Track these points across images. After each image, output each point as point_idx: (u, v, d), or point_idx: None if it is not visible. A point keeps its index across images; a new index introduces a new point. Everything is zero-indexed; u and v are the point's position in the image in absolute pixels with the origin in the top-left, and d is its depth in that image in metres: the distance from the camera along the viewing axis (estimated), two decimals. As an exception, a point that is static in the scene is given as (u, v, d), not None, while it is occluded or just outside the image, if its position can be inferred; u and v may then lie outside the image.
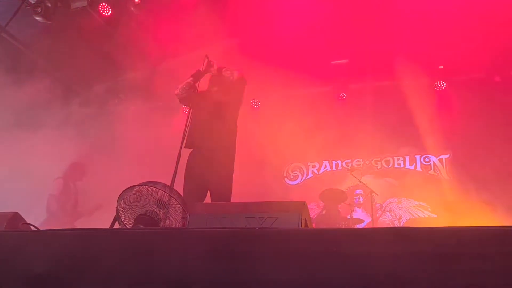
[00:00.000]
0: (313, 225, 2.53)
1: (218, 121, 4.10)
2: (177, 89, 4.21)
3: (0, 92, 5.68)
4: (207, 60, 4.23)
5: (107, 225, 2.68)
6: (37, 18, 5.80)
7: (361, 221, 6.67)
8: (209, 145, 4.04)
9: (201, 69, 4.22)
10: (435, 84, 7.61)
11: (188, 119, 3.79)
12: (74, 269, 1.78)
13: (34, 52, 6.87)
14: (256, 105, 8.46)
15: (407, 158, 7.74)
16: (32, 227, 2.39)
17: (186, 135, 3.72)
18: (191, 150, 4.10)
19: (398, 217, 7.34)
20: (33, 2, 5.86)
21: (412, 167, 7.64)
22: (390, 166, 7.81)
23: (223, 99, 4.19)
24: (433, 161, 7.55)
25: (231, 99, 4.24)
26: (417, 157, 7.66)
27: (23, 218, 2.54)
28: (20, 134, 5.76)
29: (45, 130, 5.91)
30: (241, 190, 4.60)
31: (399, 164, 7.75)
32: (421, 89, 7.50)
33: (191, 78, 4.20)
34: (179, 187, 3.28)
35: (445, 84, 7.57)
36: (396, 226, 7.24)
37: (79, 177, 5.91)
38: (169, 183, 2.92)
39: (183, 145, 3.62)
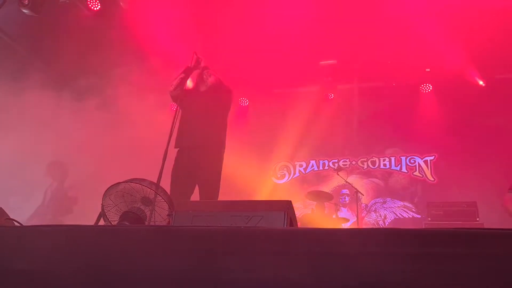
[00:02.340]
0: (298, 224, 2.55)
1: (206, 120, 4.11)
2: (171, 86, 4.19)
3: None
4: (195, 56, 4.23)
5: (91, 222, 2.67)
6: (24, 10, 5.71)
7: (347, 220, 6.73)
8: (197, 144, 4.04)
9: (190, 65, 4.22)
10: (422, 87, 7.71)
11: (175, 118, 3.78)
12: (56, 265, 1.76)
13: (20, 45, 6.76)
14: (244, 104, 8.48)
15: (392, 159, 7.83)
16: (15, 223, 2.37)
17: (174, 134, 3.72)
18: (178, 149, 4.10)
19: (383, 217, 7.43)
20: (20, -6, 5.77)
21: (398, 168, 7.74)
22: (376, 166, 7.89)
23: (211, 99, 4.19)
24: (418, 162, 7.65)
25: (219, 100, 4.25)
26: (403, 158, 7.76)
27: (6, 213, 2.52)
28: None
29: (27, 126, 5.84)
30: (229, 189, 4.62)
31: (384, 165, 7.84)
32: (408, 91, 7.61)
33: (183, 74, 4.19)
34: (165, 185, 3.28)
35: (431, 86, 7.68)
36: (381, 225, 7.33)
37: (63, 177, 5.83)
38: (155, 181, 2.92)
39: (172, 145, 3.62)
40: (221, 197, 4.09)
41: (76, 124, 6.16)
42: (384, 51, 6.70)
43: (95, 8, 6.26)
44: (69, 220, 5.48)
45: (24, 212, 5.38)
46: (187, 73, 4.21)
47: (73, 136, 6.08)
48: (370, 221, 7.47)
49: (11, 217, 2.53)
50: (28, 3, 5.60)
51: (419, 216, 7.15)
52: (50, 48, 6.46)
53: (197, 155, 4.02)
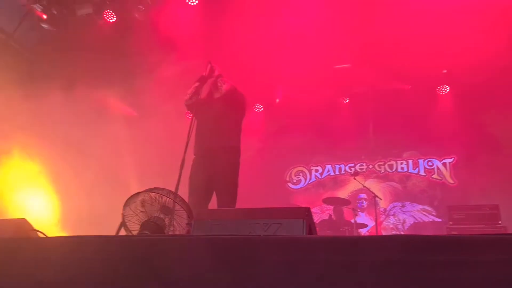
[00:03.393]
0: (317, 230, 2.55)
1: (221, 127, 4.13)
2: (187, 95, 4.23)
3: (9, 101, 5.73)
4: (210, 65, 4.27)
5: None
6: (44, 25, 5.87)
7: (365, 225, 6.68)
8: (213, 151, 4.06)
9: (204, 74, 4.26)
10: (439, 88, 7.63)
11: (191, 126, 3.82)
12: (80, 275, 1.80)
13: (40, 58, 6.93)
14: (259, 110, 8.50)
15: (410, 162, 7.75)
16: (40, 234, 2.42)
17: (191, 142, 3.76)
18: (194, 156, 4.13)
19: (402, 221, 7.35)
20: (39, 10, 5.93)
21: (416, 171, 7.65)
22: (393, 170, 7.82)
23: (225, 106, 4.23)
24: (436, 165, 7.55)
25: (233, 107, 4.27)
26: (420, 161, 7.68)
27: (31, 225, 2.57)
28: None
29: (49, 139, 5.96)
30: (244, 195, 4.63)
31: (402, 168, 7.76)
32: (425, 93, 7.53)
33: (197, 83, 4.24)
34: (183, 193, 3.31)
35: (448, 88, 7.58)
36: (400, 230, 7.25)
37: None
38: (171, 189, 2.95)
39: (188, 153, 3.66)
40: (237, 204, 4.09)
41: (93, 132, 6.27)
42: (399, 54, 6.64)
43: (110, 20, 6.39)
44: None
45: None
46: (201, 82, 4.25)
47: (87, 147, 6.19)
48: (389, 225, 7.39)
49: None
50: (47, 18, 5.75)
51: (440, 220, 7.05)
52: (68, 61, 6.59)
53: (213, 162, 4.04)
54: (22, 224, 2.59)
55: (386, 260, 1.43)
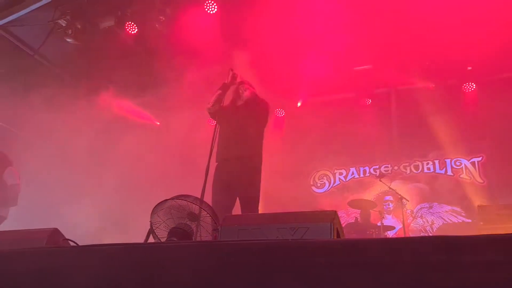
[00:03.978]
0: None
1: (243, 134, 4.15)
2: (209, 103, 4.28)
3: (36, 115, 5.91)
4: (231, 72, 4.31)
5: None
6: (68, 39, 6.03)
7: (392, 228, 6.56)
8: (235, 157, 4.09)
9: (226, 82, 4.30)
10: (464, 86, 7.46)
11: (215, 133, 3.85)
12: (112, 283, 1.83)
13: (65, 72, 7.12)
14: (280, 114, 8.49)
15: (436, 162, 7.60)
16: (71, 243, 2.48)
17: (214, 149, 3.79)
18: (217, 163, 4.16)
19: (430, 223, 7.19)
20: (64, 25, 6.10)
21: (443, 171, 7.49)
22: (419, 171, 7.67)
23: (247, 113, 4.25)
24: (464, 164, 7.38)
25: (255, 113, 4.29)
26: (447, 161, 7.51)
27: (62, 234, 2.64)
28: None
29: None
30: (268, 200, 4.64)
31: (428, 169, 7.61)
32: (449, 91, 7.37)
33: (220, 91, 4.28)
34: (207, 200, 3.33)
35: (474, 85, 7.40)
36: (429, 232, 7.09)
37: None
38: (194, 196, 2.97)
39: (213, 159, 3.69)
40: (261, 209, 4.10)
41: (117, 141, 6.40)
42: (421, 52, 6.55)
43: (132, 32, 6.52)
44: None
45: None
46: (223, 89, 4.29)
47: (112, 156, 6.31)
48: (416, 227, 7.25)
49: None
50: (72, 32, 5.91)
51: (470, 221, 6.87)
52: (92, 73, 6.76)
53: (235, 168, 4.07)
54: (54, 234, 2.65)
55: (417, 261, 1.40)
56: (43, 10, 6.42)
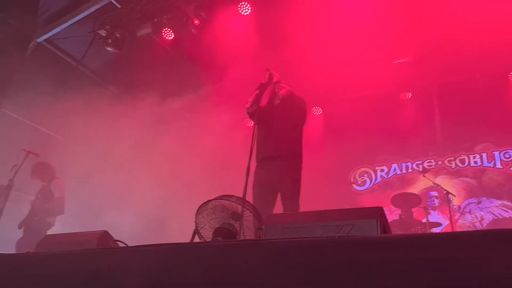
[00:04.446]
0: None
1: (282, 132, 4.16)
2: (248, 103, 4.31)
3: (80, 122, 6.16)
4: (268, 72, 4.32)
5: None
6: (108, 48, 6.25)
7: (439, 224, 6.34)
8: (274, 156, 4.10)
9: (264, 82, 4.31)
10: (511, 75, 7.11)
11: (254, 133, 3.87)
12: (161, 282, 1.87)
13: (106, 80, 7.38)
14: (317, 113, 8.42)
15: (484, 155, 7.29)
16: (121, 244, 2.56)
17: (253, 149, 3.81)
18: (257, 163, 4.19)
19: (479, 219, 6.90)
20: (104, 35, 6.33)
21: (491, 165, 7.17)
22: (465, 165, 7.39)
23: (284, 111, 4.25)
24: (514, 156, 7.04)
25: (292, 111, 4.28)
26: (496, 153, 7.19)
27: (111, 236, 2.73)
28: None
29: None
30: (308, 199, 4.60)
31: (475, 162, 7.31)
32: (495, 80, 7.05)
33: (257, 91, 4.30)
34: (249, 199, 3.35)
35: (521, 73, 7.05)
36: (479, 228, 6.81)
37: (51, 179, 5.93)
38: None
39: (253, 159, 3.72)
40: (302, 209, 4.07)
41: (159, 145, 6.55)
42: (463, 41, 6.29)
43: (169, 38, 6.67)
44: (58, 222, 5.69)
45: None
46: (261, 89, 4.31)
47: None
48: (465, 223, 6.97)
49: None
50: (111, 41, 6.12)
51: (523, 215, 6.54)
52: (132, 80, 6.96)
53: (275, 167, 4.07)
54: (104, 236, 2.75)
55: (473, 256, 1.35)
56: (84, 22, 6.70)
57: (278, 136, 4.16)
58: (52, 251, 2.47)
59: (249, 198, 3.69)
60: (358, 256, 1.59)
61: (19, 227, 5.53)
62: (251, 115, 4.30)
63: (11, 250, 5.07)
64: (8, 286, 2.15)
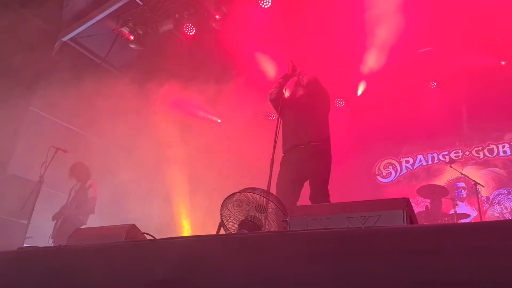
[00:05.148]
0: (417, 223, 2.42)
1: (308, 120, 4.09)
2: (272, 93, 4.26)
3: (105, 119, 6.29)
4: (291, 64, 4.30)
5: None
6: (132, 45, 6.33)
7: (467, 215, 6.21)
8: (301, 145, 4.04)
9: (288, 73, 4.30)
10: (540, 61, 6.87)
11: (278, 125, 3.86)
12: (191, 273, 1.90)
13: (130, 77, 7.49)
14: (340, 105, 8.32)
15: (513, 144, 7.08)
16: (148, 237, 2.62)
17: (277, 141, 3.79)
18: (283, 154, 4.16)
19: (509, 209, 6.73)
20: (126, 32, 6.42)
21: (521, 154, 6.97)
22: (494, 155, 7.20)
23: (309, 99, 4.21)
24: (545, 145, 6.81)
25: (317, 97, 4.23)
26: (526, 142, 6.97)
27: (139, 229, 2.79)
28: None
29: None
30: (332, 192, 4.57)
31: (505, 152, 7.12)
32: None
33: (281, 79, 4.28)
34: (274, 192, 3.36)
35: (551, 58, 6.79)
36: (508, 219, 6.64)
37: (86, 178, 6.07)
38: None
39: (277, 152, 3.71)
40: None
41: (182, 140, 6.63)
42: (488, 27, 6.10)
43: (190, 33, 6.71)
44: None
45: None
46: (285, 78, 4.28)
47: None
48: (494, 214, 6.81)
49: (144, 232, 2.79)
50: (134, 38, 6.20)
51: (555, 205, 6.34)
52: (155, 77, 7.04)
53: (304, 154, 4.01)
54: (132, 229, 2.81)
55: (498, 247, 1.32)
56: (107, 20, 6.81)
57: (305, 125, 4.08)
58: (83, 244, 2.54)
59: (273, 190, 3.69)
60: (384, 247, 1.58)
61: (53, 219, 5.74)
62: (275, 104, 4.25)
63: (44, 243, 5.24)
64: (42, 278, 2.23)
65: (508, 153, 7.08)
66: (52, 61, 6.74)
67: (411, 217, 2.14)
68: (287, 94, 4.35)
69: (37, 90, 6.18)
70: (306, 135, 4.03)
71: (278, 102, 4.12)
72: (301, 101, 4.25)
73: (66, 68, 6.38)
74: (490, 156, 7.21)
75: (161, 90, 6.87)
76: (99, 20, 6.82)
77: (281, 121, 4.03)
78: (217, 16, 6.33)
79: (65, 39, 7.10)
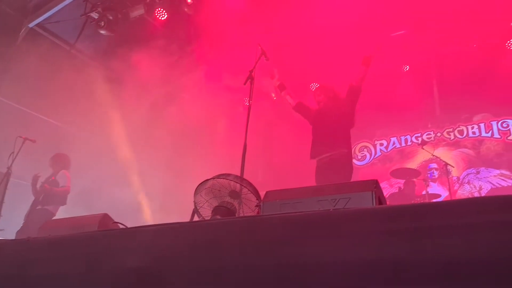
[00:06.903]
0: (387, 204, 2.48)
1: (331, 129, 4.60)
2: (291, 103, 4.98)
3: (80, 109, 6.14)
4: (260, 47, 4.27)
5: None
6: (101, 31, 6.16)
7: (438, 196, 6.40)
8: (327, 153, 4.53)
9: (256, 59, 4.27)
10: (508, 43, 7.03)
11: (249, 114, 3.95)
12: (163, 261, 1.90)
13: (101, 64, 7.31)
14: (314, 89, 8.34)
15: (482, 125, 7.29)
16: (120, 226, 2.59)
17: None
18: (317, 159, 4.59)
19: (478, 189, 6.96)
20: (96, 18, 6.24)
21: (489, 135, 7.18)
22: (464, 136, 7.40)
23: (329, 107, 4.74)
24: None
25: (338, 113, 4.70)
26: (493, 123, 7.19)
27: (112, 218, 2.76)
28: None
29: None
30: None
31: (474, 133, 7.32)
32: (492, 50, 6.99)
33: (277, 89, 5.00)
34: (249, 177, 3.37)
35: (519, 41, 6.97)
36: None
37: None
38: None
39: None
40: (300, 184, 4.12)
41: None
42: (459, 11, 6.20)
43: (162, 18, 6.58)
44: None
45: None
46: (280, 88, 4.95)
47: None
48: (464, 193, 7.03)
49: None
50: (104, 24, 6.03)
51: (521, 183, 6.59)
52: (127, 63, 6.90)
53: (327, 163, 4.51)
54: (104, 218, 2.78)
55: (467, 223, 1.36)
56: (75, 5, 6.59)
57: (328, 135, 4.61)
58: (53, 235, 2.50)
59: (247, 176, 3.71)
60: (352, 228, 1.61)
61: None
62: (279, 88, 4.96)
63: (12, 237, 5.13)
64: (10, 271, 2.18)
65: (477, 133, 7.29)
66: (19, 49, 6.51)
67: (380, 198, 2.19)
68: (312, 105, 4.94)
69: (3, 79, 5.97)
70: (328, 148, 4.57)
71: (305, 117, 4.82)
72: (323, 110, 4.82)
73: (34, 55, 6.17)
74: (460, 137, 7.41)
75: (135, 75, 6.75)
76: (67, 5, 6.59)
77: (312, 126, 4.73)
78: (189, 0, 6.22)
79: (31, 25, 6.84)
